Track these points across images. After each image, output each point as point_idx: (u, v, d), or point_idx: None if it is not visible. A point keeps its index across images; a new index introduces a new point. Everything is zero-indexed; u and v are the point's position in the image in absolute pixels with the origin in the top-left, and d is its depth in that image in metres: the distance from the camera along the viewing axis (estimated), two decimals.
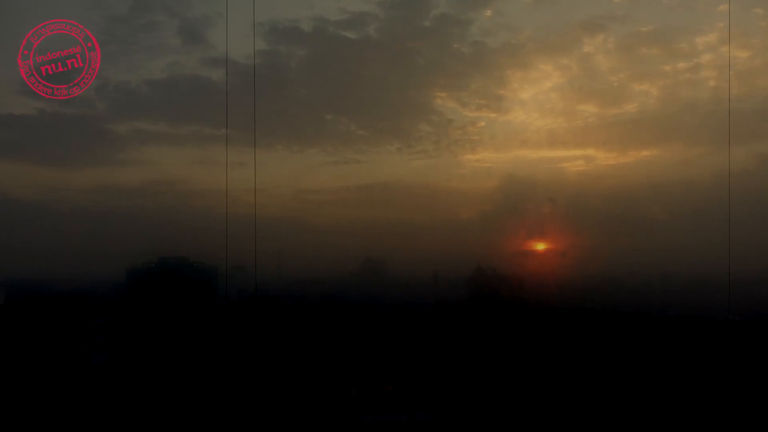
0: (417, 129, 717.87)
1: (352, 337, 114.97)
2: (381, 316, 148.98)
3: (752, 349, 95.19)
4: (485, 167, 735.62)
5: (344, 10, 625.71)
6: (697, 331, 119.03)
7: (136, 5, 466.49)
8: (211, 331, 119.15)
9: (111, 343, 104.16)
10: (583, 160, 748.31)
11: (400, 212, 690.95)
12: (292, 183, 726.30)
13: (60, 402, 68.71)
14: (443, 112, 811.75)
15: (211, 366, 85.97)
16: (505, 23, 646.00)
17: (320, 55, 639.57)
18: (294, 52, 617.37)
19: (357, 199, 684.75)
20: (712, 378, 77.09)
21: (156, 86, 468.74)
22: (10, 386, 72.40)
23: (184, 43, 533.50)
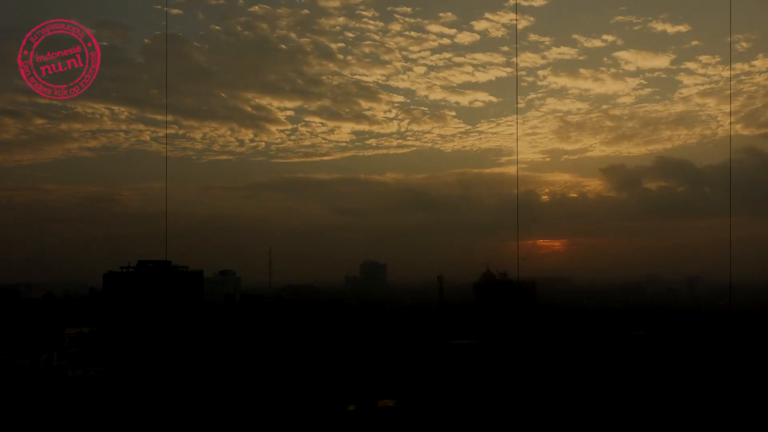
0: (377, 112, 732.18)
1: (349, 348, 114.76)
2: (381, 325, 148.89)
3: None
4: (466, 156, 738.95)
5: None
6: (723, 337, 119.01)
7: None
8: (196, 341, 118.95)
9: (86, 355, 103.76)
10: (579, 153, 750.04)
11: (396, 210, 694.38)
12: (271, 179, 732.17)
13: (33, 420, 68.39)
14: (399, 94, 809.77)
15: (197, 381, 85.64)
16: None
17: (241, 28, 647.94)
18: (206, 23, 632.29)
19: (336, 194, 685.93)
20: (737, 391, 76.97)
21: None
22: None
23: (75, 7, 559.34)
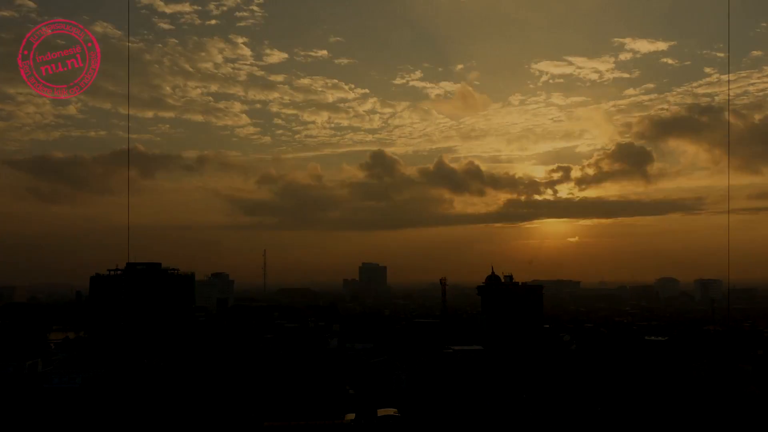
0: (353, 104, 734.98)
1: (347, 355, 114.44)
2: (381, 329, 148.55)
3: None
4: (455, 151, 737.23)
5: None
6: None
7: None
8: (186, 347, 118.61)
9: (72, 362, 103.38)
10: (586, 148, 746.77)
11: (390, 208, 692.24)
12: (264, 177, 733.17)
13: (18, 430, 68.25)
14: (373, 87, 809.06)
15: (187, 388, 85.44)
16: None
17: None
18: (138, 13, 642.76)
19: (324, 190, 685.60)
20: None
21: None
22: None
23: None
